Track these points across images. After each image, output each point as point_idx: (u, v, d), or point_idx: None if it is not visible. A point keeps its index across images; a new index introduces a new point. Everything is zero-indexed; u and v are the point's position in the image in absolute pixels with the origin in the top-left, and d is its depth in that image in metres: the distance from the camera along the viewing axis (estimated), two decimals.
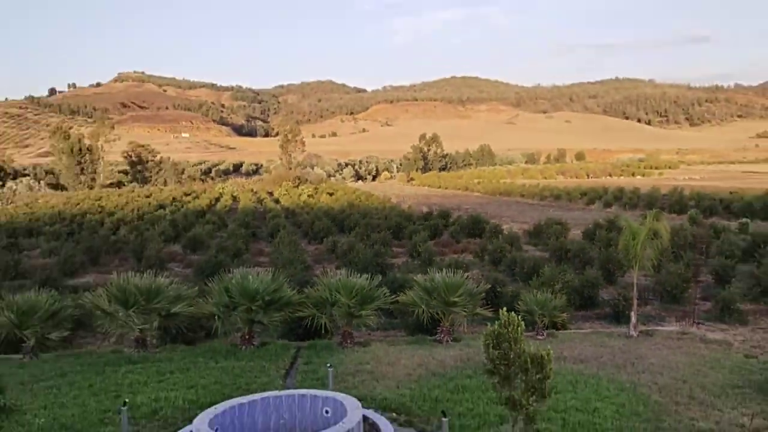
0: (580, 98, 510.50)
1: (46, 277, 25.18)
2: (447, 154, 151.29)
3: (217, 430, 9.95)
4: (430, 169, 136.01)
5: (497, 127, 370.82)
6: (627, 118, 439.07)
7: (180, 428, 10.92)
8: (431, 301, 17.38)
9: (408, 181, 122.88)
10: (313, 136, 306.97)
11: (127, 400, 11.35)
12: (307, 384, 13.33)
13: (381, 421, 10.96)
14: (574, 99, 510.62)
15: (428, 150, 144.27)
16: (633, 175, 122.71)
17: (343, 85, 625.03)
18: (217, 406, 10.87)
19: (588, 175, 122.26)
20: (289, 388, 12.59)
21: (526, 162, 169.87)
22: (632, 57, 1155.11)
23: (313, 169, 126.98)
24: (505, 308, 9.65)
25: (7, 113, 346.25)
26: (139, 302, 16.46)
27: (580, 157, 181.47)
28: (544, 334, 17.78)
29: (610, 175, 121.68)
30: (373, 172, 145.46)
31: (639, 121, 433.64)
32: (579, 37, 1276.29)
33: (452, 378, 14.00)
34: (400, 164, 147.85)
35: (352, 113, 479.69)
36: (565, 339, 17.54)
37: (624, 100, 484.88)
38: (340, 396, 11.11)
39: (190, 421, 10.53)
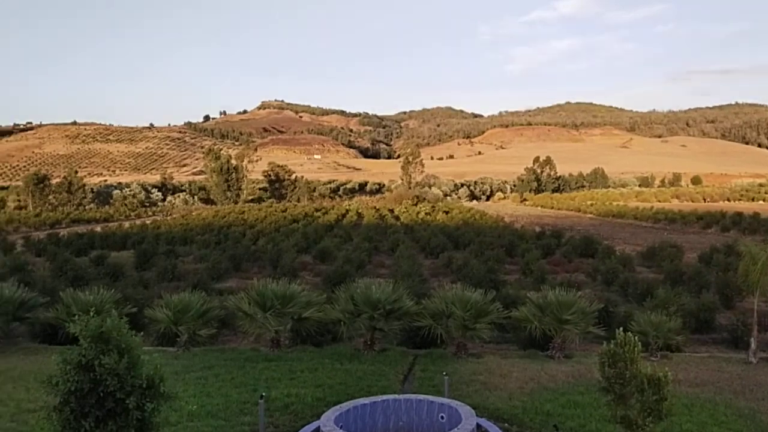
0: (696, 123, 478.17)
1: (197, 280, 26.50)
2: (560, 176, 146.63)
3: (341, 426, 10.11)
4: (543, 191, 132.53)
5: (611, 151, 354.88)
6: (747, 143, 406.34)
7: (309, 423, 11.19)
8: (544, 317, 16.83)
9: (521, 201, 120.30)
10: (432, 158, 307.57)
11: (264, 394, 11.80)
12: (423, 390, 13.27)
13: (493, 429, 10.72)
14: (691, 124, 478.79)
15: (542, 172, 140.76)
16: (753, 200, 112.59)
17: (461, 111, 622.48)
18: (341, 404, 11.08)
19: (704, 199, 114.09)
20: (406, 393, 12.61)
21: (639, 185, 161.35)
22: (751, 82, 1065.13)
23: (430, 188, 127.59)
24: (621, 328, 9.20)
25: (169, 137, 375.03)
26: (275, 306, 17.10)
27: (696, 181, 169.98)
28: (658, 355, 16.70)
29: (728, 200, 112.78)
30: (487, 193, 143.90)
31: (759, 146, 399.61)
32: (695, 63, 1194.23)
33: (564, 393, 13.46)
34: (514, 185, 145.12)
35: (468, 137, 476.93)
36: (679, 362, 16.39)
37: (744, 125, 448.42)
38: (455, 403, 10.99)
39: (318, 417, 10.79)
